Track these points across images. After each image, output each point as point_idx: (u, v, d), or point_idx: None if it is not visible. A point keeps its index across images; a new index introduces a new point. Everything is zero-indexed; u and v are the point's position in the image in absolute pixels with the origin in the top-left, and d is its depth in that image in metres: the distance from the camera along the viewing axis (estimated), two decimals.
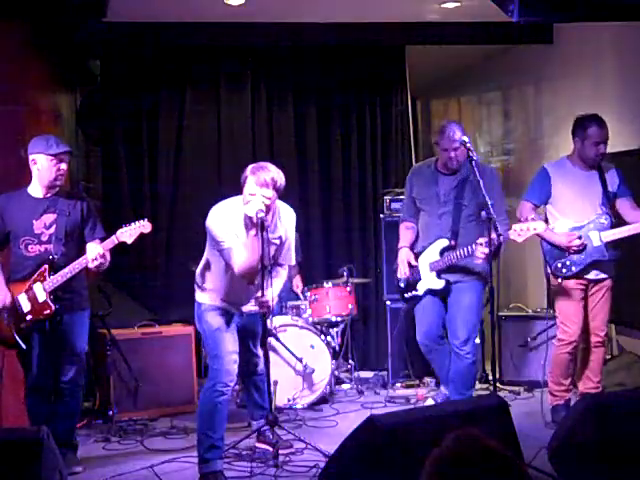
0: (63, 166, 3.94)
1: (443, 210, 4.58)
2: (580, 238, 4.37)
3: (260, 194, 3.67)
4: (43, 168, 3.92)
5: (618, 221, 4.46)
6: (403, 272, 4.70)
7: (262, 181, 3.67)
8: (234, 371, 3.90)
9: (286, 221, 4.00)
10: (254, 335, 4.17)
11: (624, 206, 4.48)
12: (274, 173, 3.73)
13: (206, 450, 3.82)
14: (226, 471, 3.94)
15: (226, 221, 3.78)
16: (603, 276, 4.48)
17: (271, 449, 4.08)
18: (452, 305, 4.60)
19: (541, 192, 4.55)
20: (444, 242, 4.54)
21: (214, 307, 3.96)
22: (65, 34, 5.26)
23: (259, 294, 3.78)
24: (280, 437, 4.20)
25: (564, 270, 4.45)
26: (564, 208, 4.48)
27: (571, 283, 4.48)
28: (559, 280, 4.49)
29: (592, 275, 4.47)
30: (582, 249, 4.38)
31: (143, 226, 3.92)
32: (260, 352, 4.23)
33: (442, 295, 4.63)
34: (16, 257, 3.96)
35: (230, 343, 3.91)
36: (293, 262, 4.20)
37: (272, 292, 3.92)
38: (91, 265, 3.89)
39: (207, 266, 4.01)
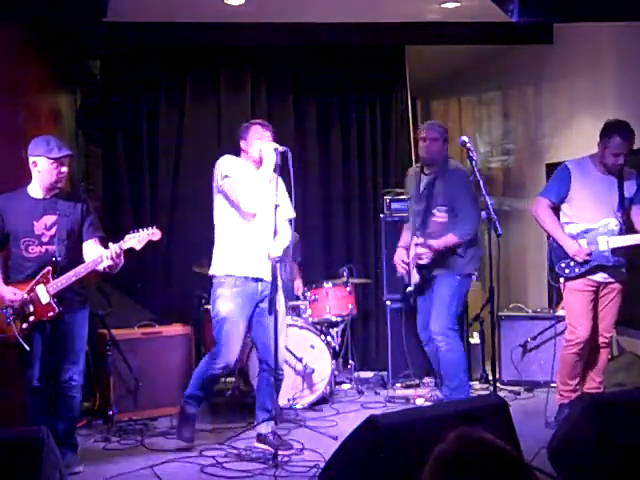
0: (64, 169, 3.92)
1: (419, 207, 4.94)
2: (590, 254, 4.36)
3: (272, 138, 4.28)
4: (44, 171, 3.90)
5: (630, 228, 4.43)
6: (401, 270, 5.08)
7: (265, 124, 4.36)
8: (230, 360, 4.28)
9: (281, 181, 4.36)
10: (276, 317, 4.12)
11: (637, 213, 4.44)
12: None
13: (188, 397, 4.37)
14: (226, 471, 3.97)
15: (235, 162, 4.32)
16: (611, 280, 4.46)
17: (272, 449, 4.10)
18: (429, 298, 4.98)
19: (560, 190, 4.48)
20: (419, 239, 4.85)
21: (231, 285, 4.22)
22: (65, 34, 5.26)
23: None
24: (281, 438, 4.24)
25: (567, 271, 4.46)
26: (578, 209, 4.44)
27: (579, 284, 4.46)
28: (561, 280, 4.50)
29: (599, 277, 4.46)
30: (586, 262, 4.38)
31: (153, 234, 3.93)
32: (283, 345, 4.31)
33: (427, 288, 4.96)
34: (16, 258, 3.94)
35: (235, 332, 4.23)
36: (293, 214, 4.41)
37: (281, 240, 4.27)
38: (106, 263, 3.82)
39: (220, 236, 4.35)
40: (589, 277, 4.45)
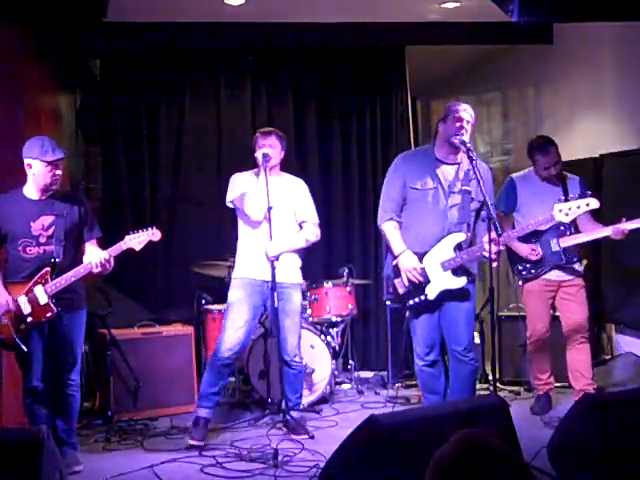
0: (58, 172, 3.91)
1: (452, 202, 4.10)
2: (540, 252, 4.68)
3: (267, 144, 4.52)
4: (38, 173, 3.89)
5: (577, 228, 4.71)
6: (418, 278, 4.06)
7: (265, 132, 4.63)
8: (233, 344, 4.44)
9: (294, 184, 4.73)
10: (284, 313, 4.52)
11: (582, 217, 4.48)
12: (274, 130, 4.68)
13: (199, 398, 4.53)
14: (226, 471, 3.97)
15: (241, 176, 4.62)
16: (567, 277, 4.74)
17: (302, 436, 4.45)
18: (452, 308, 4.15)
19: (508, 201, 4.87)
20: (460, 236, 4.07)
21: (239, 281, 4.53)
22: (65, 34, 5.26)
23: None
24: (303, 425, 4.57)
25: (524, 272, 4.80)
26: (528, 216, 4.65)
27: (536, 285, 4.78)
28: (520, 282, 4.83)
29: (554, 276, 4.75)
30: (539, 261, 4.70)
31: (153, 234, 3.96)
32: (292, 336, 4.57)
33: (444, 299, 4.13)
34: (13, 259, 3.93)
35: (237, 318, 4.46)
36: (315, 220, 4.77)
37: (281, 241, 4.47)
38: (95, 270, 3.90)
39: (240, 239, 4.63)
40: (544, 277, 4.76)
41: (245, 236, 4.61)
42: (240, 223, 4.63)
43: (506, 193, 4.89)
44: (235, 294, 4.53)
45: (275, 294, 4.37)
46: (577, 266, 4.75)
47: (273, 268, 4.39)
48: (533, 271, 4.76)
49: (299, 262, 4.69)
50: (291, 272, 4.61)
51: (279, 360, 4.56)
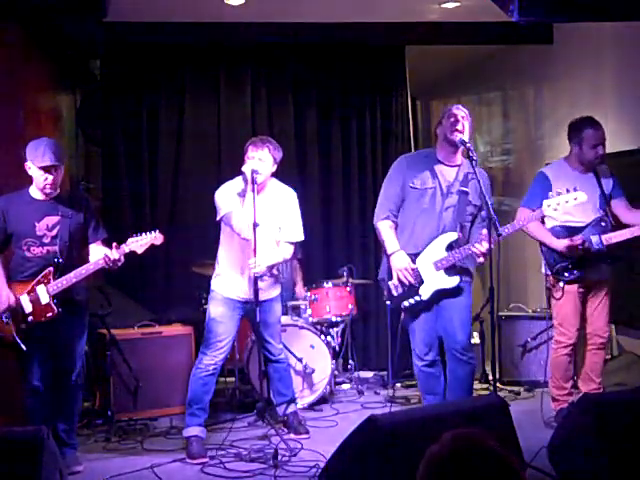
0: (50, 177, 3.87)
1: (449, 203, 4.14)
2: (583, 244, 4.33)
3: (257, 157, 4.24)
4: (34, 175, 3.91)
5: (618, 223, 4.45)
6: (409, 279, 4.10)
7: (258, 142, 4.30)
8: (219, 359, 4.34)
9: (282, 197, 4.44)
10: (265, 325, 4.45)
11: (619, 207, 4.49)
12: (270, 140, 4.37)
13: (187, 416, 4.34)
14: (226, 471, 3.98)
15: (228, 190, 4.35)
16: (602, 278, 4.50)
17: (302, 435, 4.49)
18: (448, 307, 4.15)
19: (543, 197, 4.38)
20: (452, 236, 4.09)
21: (220, 297, 4.40)
22: (65, 34, 5.26)
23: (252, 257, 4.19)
24: (301, 422, 4.62)
25: (566, 274, 4.45)
26: (564, 211, 4.35)
27: (574, 286, 4.46)
28: (561, 284, 4.47)
29: (593, 277, 4.47)
30: (582, 261, 4.36)
31: (155, 238, 3.96)
32: (275, 341, 4.58)
33: (440, 298, 4.15)
34: (17, 258, 3.94)
35: (223, 333, 4.35)
36: (299, 238, 4.53)
37: (266, 256, 4.28)
38: (105, 266, 3.91)
39: (220, 249, 4.47)
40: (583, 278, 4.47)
41: (227, 249, 4.44)
42: (224, 232, 4.45)
43: (540, 188, 4.43)
44: (217, 310, 4.39)
45: (257, 309, 4.23)
46: (609, 267, 4.48)
47: (256, 285, 4.21)
48: (576, 272, 4.40)
49: (276, 271, 4.56)
50: (270, 287, 4.50)
51: (266, 362, 4.53)
